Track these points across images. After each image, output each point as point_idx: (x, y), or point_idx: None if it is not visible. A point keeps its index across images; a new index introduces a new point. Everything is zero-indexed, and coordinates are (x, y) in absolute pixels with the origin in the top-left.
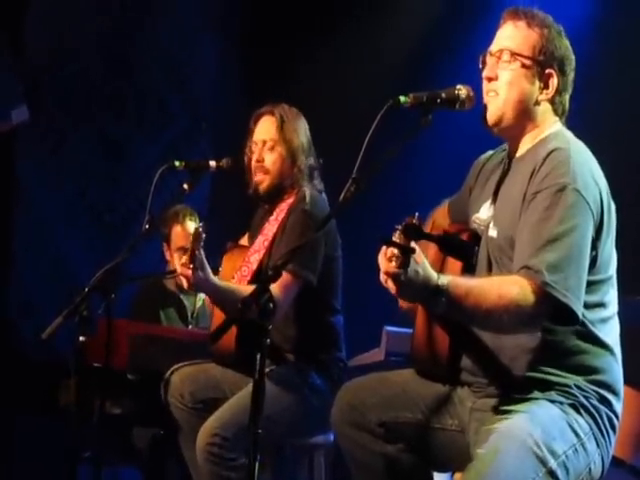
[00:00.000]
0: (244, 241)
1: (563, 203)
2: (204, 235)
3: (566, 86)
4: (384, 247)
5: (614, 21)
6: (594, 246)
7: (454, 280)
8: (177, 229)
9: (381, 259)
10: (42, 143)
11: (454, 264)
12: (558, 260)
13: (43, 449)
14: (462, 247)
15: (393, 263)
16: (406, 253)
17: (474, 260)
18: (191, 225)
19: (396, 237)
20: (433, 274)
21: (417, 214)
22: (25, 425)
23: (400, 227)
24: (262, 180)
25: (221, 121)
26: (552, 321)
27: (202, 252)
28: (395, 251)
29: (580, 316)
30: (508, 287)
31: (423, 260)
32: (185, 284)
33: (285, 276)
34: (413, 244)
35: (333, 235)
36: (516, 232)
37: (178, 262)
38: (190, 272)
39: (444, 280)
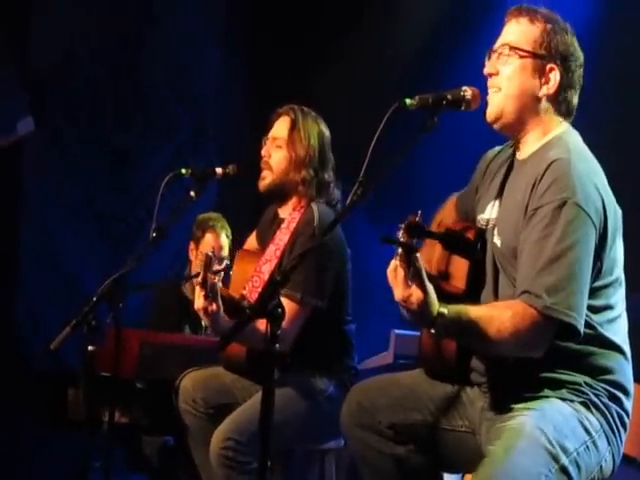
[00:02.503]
0: (252, 239)
1: (563, 219)
2: (223, 264)
3: (571, 83)
4: (392, 264)
5: (619, 21)
6: (598, 256)
7: (450, 314)
8: (209, 237)
9: (392, 280)
10: (48, 154)
11: (460, 262)
12: (558, 280)
13: (53, 460)
14: (465, 245)
15: (397, 261)
16: (409, 252)
17: (477, 255)
18: (224, 240)
19: (399, 235)
20: (435, 304)
21: (419, 212)
22: (34, 436)
23: (403, 225)
24: (264, 176)
25: (227, 128)
26: (556, 338)
27: (217, 282)
28: (399, 250)
29: (582, 332)
30: (506, 320)
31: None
32: (205, 320)
33: (292, 306)
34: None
35: (342, 250)
36: (518, 245)
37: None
38: (208, 307)
39: (443, 310)
